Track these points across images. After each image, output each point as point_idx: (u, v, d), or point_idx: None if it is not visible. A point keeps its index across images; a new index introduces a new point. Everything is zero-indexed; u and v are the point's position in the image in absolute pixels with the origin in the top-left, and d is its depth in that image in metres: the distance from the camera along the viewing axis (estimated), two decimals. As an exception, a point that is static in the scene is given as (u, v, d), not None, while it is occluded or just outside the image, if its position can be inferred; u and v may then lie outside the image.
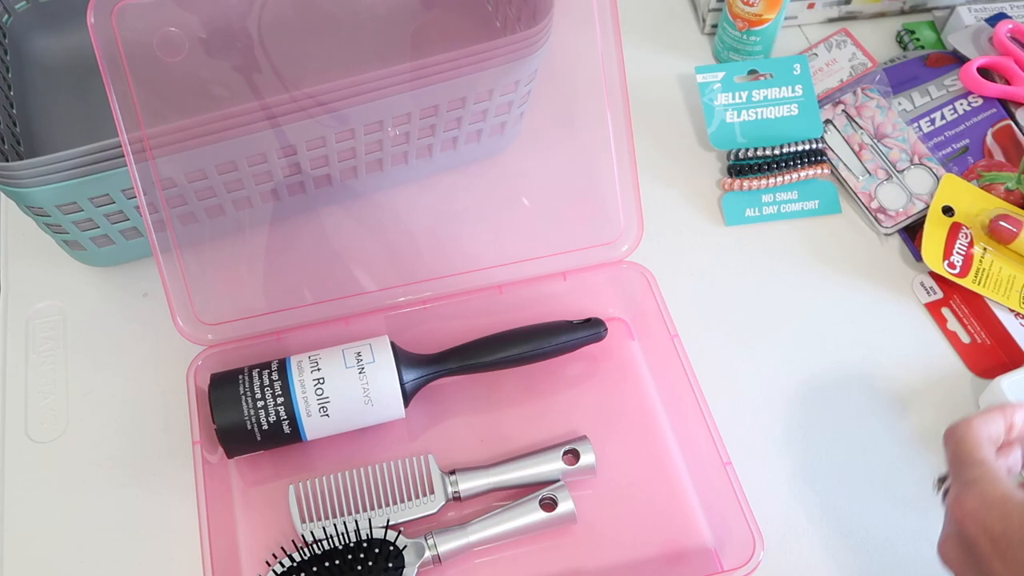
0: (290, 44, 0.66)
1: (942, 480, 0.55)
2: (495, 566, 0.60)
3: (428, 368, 0.64)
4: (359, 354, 0.61)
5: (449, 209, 0.75)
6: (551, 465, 0.62)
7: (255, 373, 0.61)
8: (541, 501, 0.60)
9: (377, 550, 0.57)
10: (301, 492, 0.60)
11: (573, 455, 0.62)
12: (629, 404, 0.67)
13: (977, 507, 0.47)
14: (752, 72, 0.81)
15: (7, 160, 0.67)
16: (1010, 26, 0.82)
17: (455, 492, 0.61)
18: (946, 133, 0.80)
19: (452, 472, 0.61)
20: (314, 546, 0.57)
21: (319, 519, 0.59)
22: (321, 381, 0.60)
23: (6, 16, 0.78)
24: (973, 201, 0.74)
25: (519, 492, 0.62)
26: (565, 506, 0.60)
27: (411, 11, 0.74)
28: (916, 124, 0.80)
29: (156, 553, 0.61)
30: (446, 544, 0.58)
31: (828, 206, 0.78)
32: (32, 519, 0.62)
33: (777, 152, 0.78)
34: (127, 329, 0.70)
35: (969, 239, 0.73)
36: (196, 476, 0.58)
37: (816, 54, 0.85)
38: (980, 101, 0.81)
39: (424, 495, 0.60)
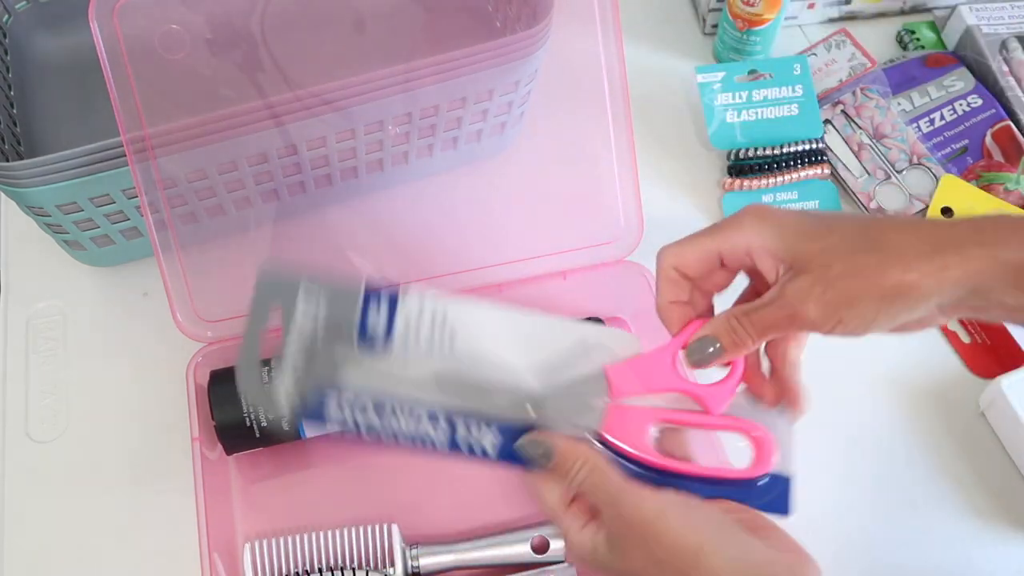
0: (291, 43, 0.67)
1: None
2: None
3: (427, 367, 0.64)
4: (358, 352, 0.61)
5: (449, 208, 0.75)
6: (518, 548, 0.59)
7: (254, 370, 0.61)
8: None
9: None
10: (256, 551, 0.58)
11: (542, 542, 0.59)
12: (629, 403, 0.67)
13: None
14: (752, 72, 0.81)
15: (7, 160, 0.68)
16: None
17: (415, 568, 0.58)
18: (945, 133, 0.80)
19: (415, 545, 0.59)
20: None
21: None
22: (320, 379, 0.60)
23: (6, 16, 0.78)
24: (972, 202, 0.74)
25: (485, 572, 0.59)
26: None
27: (412, 11, 0.74)
28: (915, 124, 0.80)
29: (156, 551, 0.61)
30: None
31: (828, 206, 0.78)
32: (32, 519, 0.62)
33: (777, 152, 0.78)
34: (127, 329, 0.70)
35: (969, 239, 0.73)
36: (195, 473, 0.58)
37: (815, 54, 0.85)
38: (980, 102, 0.81)
39: (384, 566, 0.58)
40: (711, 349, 0.46)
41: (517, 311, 0.49)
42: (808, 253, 0.43)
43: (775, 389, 0.48)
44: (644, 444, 0.47)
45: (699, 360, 0.47)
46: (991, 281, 0.41)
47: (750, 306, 0.45)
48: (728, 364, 0.48)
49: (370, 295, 0.47)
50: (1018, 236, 0.41)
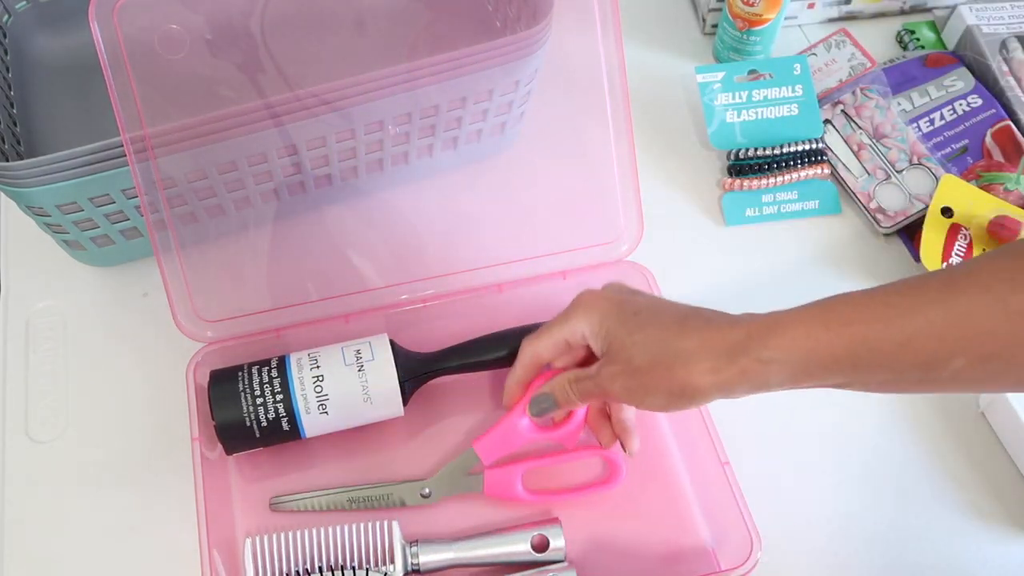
0: (292, 43, 0.67)
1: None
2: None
3: (427, 367, 0.64)
4: (358, 352, 0.61)
5: (449, 208, 0.75)
6: (518, 546, 0.59)
7: (254, 370, 0.61)
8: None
9: None
10: (257, 547, 0.57)
11: (542, 540, 0.59)
12: (629, 403, 0.67)
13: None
14: (752, 72, 0.81)
15: (7, 160, 0.68)
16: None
17: (415, 565, 0.58)
18: (945, 133, 0.80)
19: (414, 543, 0.59)
20: None
21: None
22: (320, 379, 0.60)
23: (6, 16, 0.78)
24: (972, 202, 0.74)
25: (485, 571, 0.59)
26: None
27: (412, 11, 0.74)
28: (915, 124, 0.80)
29: (156, 551, 0.61)
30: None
31: (828, 206, 0.78)
32: (32, 519, 0.62)
33: (777, 152, 0.78)
34: (127, 329, 0.70)
35: (968, 240, 0.73)
36: (195, 473, 0.58)
37: (815, 54, 0.85)
38: (980, 101, 0.81)
39: (384, 563, 0.58)
40: (547, 404, 0.58)
41: None
42: (620, 344, 0.54)
43: (611, 433, 0.61)
44: (517, 493, 0.61)
45: (538, 412, 0.59)
46: (773, 379, 0.51)
47: (581, 372, 0.56)
48: (568, 416, 0.60)
49: None
50: (785, 339, 0.51)
